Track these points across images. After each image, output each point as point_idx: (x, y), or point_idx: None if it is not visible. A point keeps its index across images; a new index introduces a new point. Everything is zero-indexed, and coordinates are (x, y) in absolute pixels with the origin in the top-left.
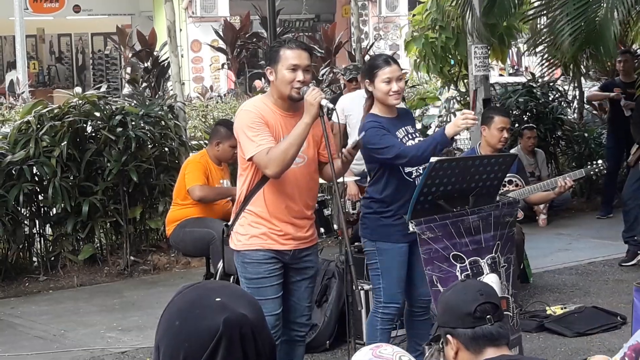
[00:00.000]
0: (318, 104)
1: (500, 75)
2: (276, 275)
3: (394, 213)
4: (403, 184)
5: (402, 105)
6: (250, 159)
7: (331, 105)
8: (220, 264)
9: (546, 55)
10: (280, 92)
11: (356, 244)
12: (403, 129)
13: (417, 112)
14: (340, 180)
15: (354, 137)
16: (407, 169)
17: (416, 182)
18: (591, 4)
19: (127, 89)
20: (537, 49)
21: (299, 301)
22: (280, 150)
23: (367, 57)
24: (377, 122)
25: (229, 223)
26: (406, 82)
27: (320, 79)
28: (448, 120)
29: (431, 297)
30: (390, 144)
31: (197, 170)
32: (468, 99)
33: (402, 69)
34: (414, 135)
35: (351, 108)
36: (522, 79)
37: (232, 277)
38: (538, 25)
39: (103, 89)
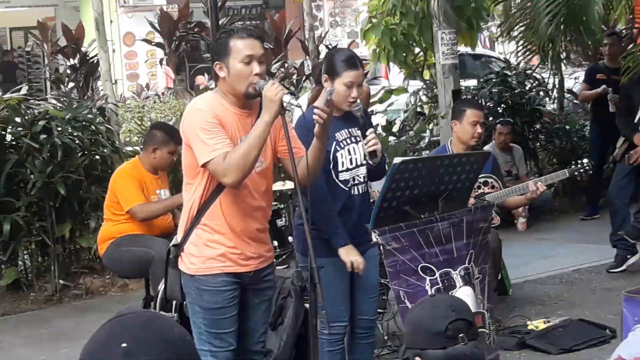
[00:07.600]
0: (280, 100)
1: None
2: (235, 303)
3: None
4: (339, 193)
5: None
6: (204, 166)
7: (295, 102)
8: (161, 286)
9: (522, 42)
10: (234, 89)
11: None
12: (346, 130)
13: (382, 106)
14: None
15: None
16: (342, 177)
17: (352, 191)
18: None
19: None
20: (513, 34)
21: (255, 326)
22: (239, 154)
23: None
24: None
25: (176, 242)
26: (366, 74)
27: (274, 72)
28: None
29: (375, 316)
30: None
31: (132, 187)
32: (436, 90)
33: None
34: (358, 139)
35: None
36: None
37: (174, 302)
38: (512, 8)
39: (23, 91)
